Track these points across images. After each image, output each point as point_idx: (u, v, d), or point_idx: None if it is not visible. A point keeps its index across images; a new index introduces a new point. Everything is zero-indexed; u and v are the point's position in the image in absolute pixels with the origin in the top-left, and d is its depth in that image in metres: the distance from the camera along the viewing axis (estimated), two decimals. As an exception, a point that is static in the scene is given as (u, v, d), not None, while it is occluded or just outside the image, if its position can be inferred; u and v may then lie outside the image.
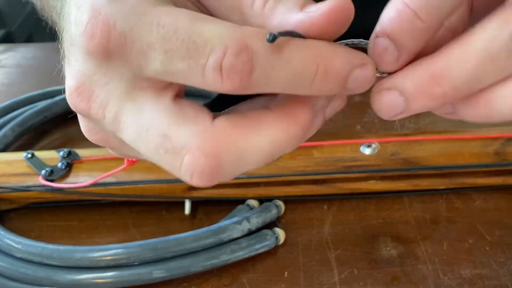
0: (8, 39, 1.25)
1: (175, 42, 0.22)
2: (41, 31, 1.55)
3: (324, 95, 0.26)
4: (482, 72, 0.23)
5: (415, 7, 0.23)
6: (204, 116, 0.24)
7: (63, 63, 0.27)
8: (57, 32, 0.29)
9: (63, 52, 0.27)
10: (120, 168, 0.38)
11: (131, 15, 0.23)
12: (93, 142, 0.28)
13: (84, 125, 0.28)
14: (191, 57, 0.22)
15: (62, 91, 0.65)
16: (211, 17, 0.23)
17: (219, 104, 0.26)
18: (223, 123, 0.23)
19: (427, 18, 0.23)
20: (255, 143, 0.23)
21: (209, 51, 0.21)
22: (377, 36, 0.24)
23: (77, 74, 0.25)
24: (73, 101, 0.26)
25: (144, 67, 0.23)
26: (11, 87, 0.72)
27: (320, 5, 0.23)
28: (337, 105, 0.27)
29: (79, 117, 0.28)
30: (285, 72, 0.22)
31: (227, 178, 0.24)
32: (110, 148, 0.28)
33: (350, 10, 0.23)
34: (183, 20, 0.22)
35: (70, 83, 0.26)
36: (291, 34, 0.23)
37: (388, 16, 0.24)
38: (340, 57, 0.23)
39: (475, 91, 0.24)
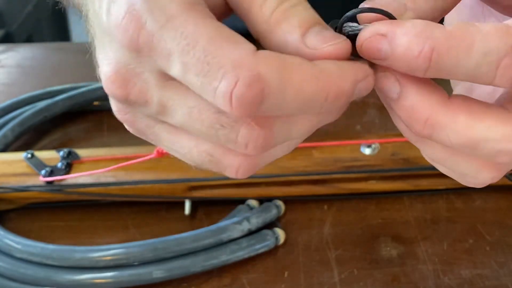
0: (8, 39, 1.25)
1: (192, 57, 0.22)
2: (41, 31, 1.55)
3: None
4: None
5: None
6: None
7: (93, 48, 0.28)
8: (83, 14, 0.29)
9: (93, 36, 0.27)
10: (149, 157, 0.37)
11: (160, 16, 0.23)
12: (121, 121, 0.28)
13: (114, 104, 0.28)
14: (204, 76, 0.22)
15: (61, 91, 0.66)
16: (234, 37, 0.23)
17: None
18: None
19: None
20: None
21: (221, 76, 0.22)
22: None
23: (112, 61, 0.25)
24: (109, 87, 0.26)
25: (167, 68, 0.24)
26: (11, 87, 0.72)
27: (319, 41, 0.24)
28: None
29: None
30: (296, 102, 0.23)
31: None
32: (135, 129, 0.28)
33: (346, 52, 0.24)
34: (203, 36, 0.22)
35: (106, 69, 0.26)
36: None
37: None
38: (348, 80, 0.23)
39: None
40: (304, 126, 0.26)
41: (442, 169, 0.29)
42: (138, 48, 0.24)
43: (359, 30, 0.24)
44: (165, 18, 0.23)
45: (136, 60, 0.25)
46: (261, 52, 0.22)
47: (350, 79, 0.23)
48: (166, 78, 0.25)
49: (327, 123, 0.26)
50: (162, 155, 0.38)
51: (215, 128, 0.24)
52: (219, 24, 0.23)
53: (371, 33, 0.24)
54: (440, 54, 0.22)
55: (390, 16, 0.25)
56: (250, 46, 0.22)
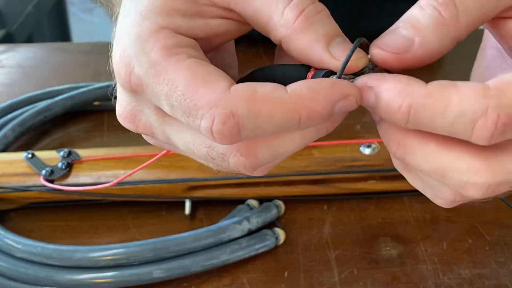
0: (8, 39, 1.25)
1: (174, 100, 0.25)
2: (41, 31, 1.55)
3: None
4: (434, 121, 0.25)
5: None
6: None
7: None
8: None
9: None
10: (159, 155, 0.39)
11: (145, 62, 0.26)
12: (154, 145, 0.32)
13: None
14: (188, 116, 0.25)
15: (62, 91, 0.66)
16: (208, 76, 0.25)
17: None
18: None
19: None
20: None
21: (201, 116, 0.25)
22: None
23: (120, 100, 0.29)
24: (122, 122, 0.29)
25: (160, 106, 0.27)
26: (11, 87, 0.72)
27: (342, 52, 0.26)
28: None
29: None
30: (270, 126, 0.25)
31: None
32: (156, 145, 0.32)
33: (365, 64, 0.27)
34: (181, 80, 0.25)
35: (117, 107, 0.29)
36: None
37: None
38: (319, 101, 0.25)
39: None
40: (289, 145, 0.28)
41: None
42: (133, 89, 0.27)
43: (352, 79, 0.26)
44: (148, 64, 0.25)
45: (135, 99, 0.28)
46: (234, 88, 0.25)
47: (323, 100, 0.25)
48: (164, 113, 0.27)
49: (320, 136, 0.28)
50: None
51: (209, 160, 0.28)
52: (197, 63, 0.26)
53: (361, 83, 0.26)
54: (417, 111, 0.24)
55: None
56: (224, 84, 0.25)
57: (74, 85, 0.67)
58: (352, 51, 0.26)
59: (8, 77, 0.74)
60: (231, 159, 0.27)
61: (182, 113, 0.25)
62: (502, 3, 0.26)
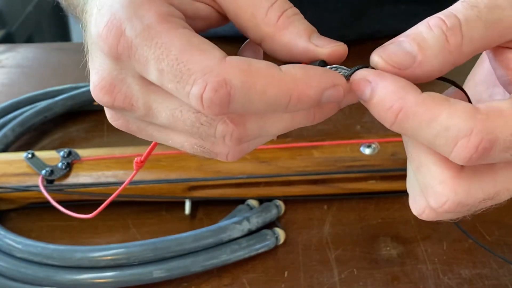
0: (8, 39, 1.25)
1: (166, 65, 0.25)
2: (41, 31, 1.55)
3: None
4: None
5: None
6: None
7: (87, 58, 0.30)
8: (81, 27, 0.31)
9: (86, 47, 0.29)
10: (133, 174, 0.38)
11: (138, 25, 0.25)
12: (115, 127, 0.31)
13: (106, 111, 0.31)
14: (178, 82, 0.25)
15: (62, 91, 0.66)
16: (203, 45, 0.25)
17: None
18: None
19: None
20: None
21: (192, 82, 0.24)
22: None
23: (98, 70, 0.28)
24: (97, 94, 0.28)
25: (145, 74, 0.26)
26: (11, 87, 0.72)
27: (325, 42, 0.27)
28: (350, 100, 0.29)
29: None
30: (261, 103, 0.25)
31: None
32: (130, 132, 0.31)
33: (345, 53, 0.28)
34: (176, 45, 0.25)
35: (93, 78, 0.29)
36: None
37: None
38: (312, 86, 0.25)
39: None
40: (278, 124, 0.28)
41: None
42: (118, 55, 0.26)
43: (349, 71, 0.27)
44: (142, 27, 0.25)
45: (117, 67, 0.27)
46: (229, 58, 0.25)
47: (315, 85, 0.26)
48: (148, 83, 0.27)
49: (305, 125, 0.29)
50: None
51: (196, 126, 0.27)
52: (192, 33, 0.26)
53: (361, 75, 0.26)
54: (405, 115, 0.25)
55: None
56: (219, 54, 0.25)
57: (74, 85, 0.67)
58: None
59: (8, 77, 0.74)
60: (220, 126, 0.27)
61: (172, 78, 0.25)
62: (504, 38, 0.27)
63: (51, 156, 0.53)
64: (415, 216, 0.52)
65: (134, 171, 0.36)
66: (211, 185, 0.52)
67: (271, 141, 0.51)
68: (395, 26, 0.41)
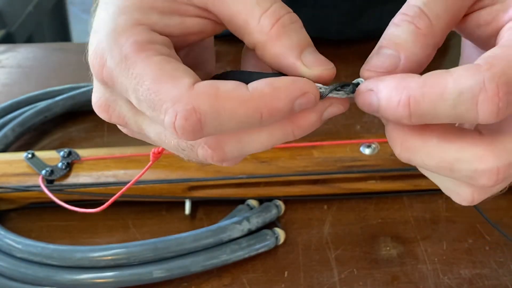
0: (8, 39, 1.25)
1: (141, 94, 0.26)
2: (41, 31, 1.55)
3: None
4: (439, 111, 0.25)
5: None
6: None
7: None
8: None
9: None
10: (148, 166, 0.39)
11: (117, 55, 0.26)
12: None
13: None
14: (153, 110, 0.26)
15: (62, 91, 0.66)
16: (174, 72, 0.26)
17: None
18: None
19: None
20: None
21: (164, 111, 0.25)
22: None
23: (95, 90, 0.30)
24: (96, 110, 0.31)
25: (129, 99, 0.27)
26: (11, 87, 0.72)
27: (315, 61, 0.27)
28: (337, 110, 0.29)
29: None
30: (232, 123, 0.25)
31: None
32: (135, 137, 0.33)
33: (333, 76, 0.28)
34: (149, 75, 0.26)
35: (93, 97, 0.31)
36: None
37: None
38: (280, 99, 0.26)
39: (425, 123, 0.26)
40: (255, 144, 0.28)
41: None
42: (105, 82, 0.27)
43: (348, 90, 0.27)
44: (119, 58, 0.26)
45: (108, 90, 0.29)
46: (197, 85, 0.25)
47: (283, 97, 0.26)
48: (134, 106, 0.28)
49: (287, 141, 0.29)
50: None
51: (180, 150, 0.29)
52: (166, 60, 0.26)
53: (364, 89, 0.27)
54: (416, 101, 0.25)
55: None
56: (188, 81, 0.25)
57: (74, 85, 0.67)
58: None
59: (8, 77, 0.74)
60: (199, 151, 0.28)
61: (147, 107, 0.26)
62: (466, 2, 0.27)
63: (51, 156, 0.53)
64: (415, 216, 0.52)
65: (151, 162, 0.37)
66: (211, 185, 0.52)
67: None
68: None
